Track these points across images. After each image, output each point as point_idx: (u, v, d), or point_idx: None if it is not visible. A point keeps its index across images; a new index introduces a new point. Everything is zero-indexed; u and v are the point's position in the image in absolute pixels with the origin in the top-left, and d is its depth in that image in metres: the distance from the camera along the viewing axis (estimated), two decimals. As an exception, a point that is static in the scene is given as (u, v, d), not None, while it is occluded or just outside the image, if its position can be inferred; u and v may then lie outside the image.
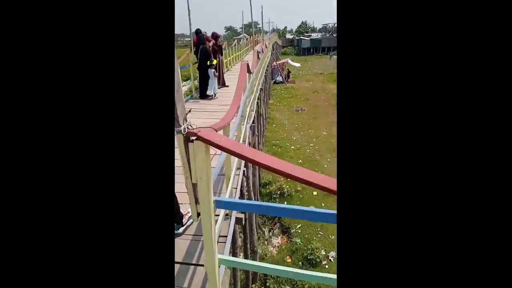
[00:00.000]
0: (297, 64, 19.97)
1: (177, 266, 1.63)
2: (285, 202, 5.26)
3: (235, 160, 2.35)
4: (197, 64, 5.83)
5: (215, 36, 6.37)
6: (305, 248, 4.33)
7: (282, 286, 3.50)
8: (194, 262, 1.67)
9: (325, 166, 6.84)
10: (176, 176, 0.72)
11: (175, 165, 0.67)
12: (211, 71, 5.69)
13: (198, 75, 5.92)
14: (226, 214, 1.98)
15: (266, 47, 9.98)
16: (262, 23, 22.80)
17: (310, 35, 39.76)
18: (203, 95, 5.82)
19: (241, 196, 2.61)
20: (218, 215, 1.53)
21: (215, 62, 5.85)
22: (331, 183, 0.76)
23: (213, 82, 5.75)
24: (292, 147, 8.02)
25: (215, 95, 5.86)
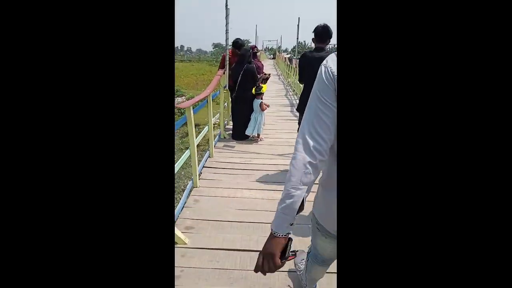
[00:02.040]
0: None
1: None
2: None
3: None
4: (230, 90, 4.19)
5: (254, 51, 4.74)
6: None
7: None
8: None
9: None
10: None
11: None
12: (257, 103, 4.02)
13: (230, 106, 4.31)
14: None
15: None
16: (256, 41, 22.21)
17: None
18: (239, 135, 4.18)
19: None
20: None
21: (265, 89, 4.03)
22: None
23: (260, 119, 4.04)
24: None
25: (259, 137, 4.19)
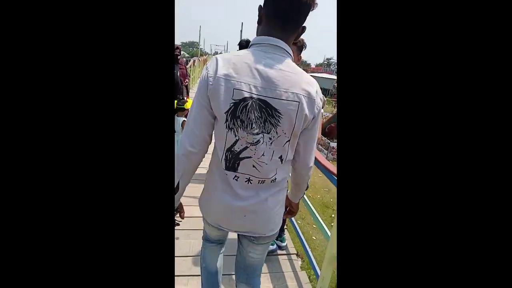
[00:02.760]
0: None
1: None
2: None
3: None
4: None
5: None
6: None
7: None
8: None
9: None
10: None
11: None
12: (179, 122, 2.93)
13: None
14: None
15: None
16: (203, 43, 21.60)
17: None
18: None
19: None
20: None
21: (189, 103, 2.79)
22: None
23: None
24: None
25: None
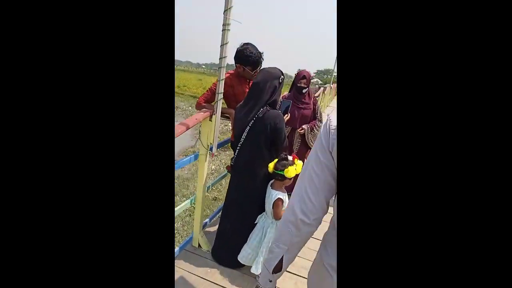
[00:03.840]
0: None
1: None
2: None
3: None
4: (233, 149, 1.92)
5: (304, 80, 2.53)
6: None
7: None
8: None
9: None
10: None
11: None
12: (273, 196, 1.66)
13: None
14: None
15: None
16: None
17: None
18: (226, 255, 1.82)
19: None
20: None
21: (296, 170, 1.62)
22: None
23: (271, 236, 1.66)
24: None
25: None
